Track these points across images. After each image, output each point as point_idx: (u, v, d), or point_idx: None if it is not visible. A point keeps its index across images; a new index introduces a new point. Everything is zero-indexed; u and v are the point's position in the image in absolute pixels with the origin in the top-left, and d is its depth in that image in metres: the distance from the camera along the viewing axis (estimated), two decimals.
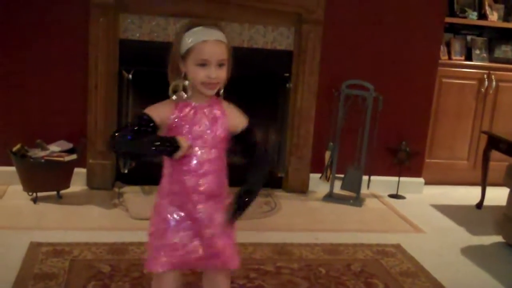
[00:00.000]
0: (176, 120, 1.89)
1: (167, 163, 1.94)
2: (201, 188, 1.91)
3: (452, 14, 4.93)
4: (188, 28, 1.87)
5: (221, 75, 1.87)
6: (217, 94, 1.94)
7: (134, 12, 4.03)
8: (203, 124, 1.90)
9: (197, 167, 1.90)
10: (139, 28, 4.05)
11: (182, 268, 2.00)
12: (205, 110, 1.91)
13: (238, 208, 1.89)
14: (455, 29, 5.06)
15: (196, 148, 1.89)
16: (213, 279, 2.06)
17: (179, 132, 1.88)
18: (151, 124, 1.85)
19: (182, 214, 1.92)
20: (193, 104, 1.91)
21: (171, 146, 1.80)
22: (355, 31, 4.38)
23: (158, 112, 1.89)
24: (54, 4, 3.93)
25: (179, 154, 1.82)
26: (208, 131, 1.91)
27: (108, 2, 3.92)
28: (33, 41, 3.96)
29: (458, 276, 3.22)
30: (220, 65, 1.86)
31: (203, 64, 1.84)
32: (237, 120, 1.96)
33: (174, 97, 1.89)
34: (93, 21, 3.95)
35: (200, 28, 1.86)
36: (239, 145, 1.99)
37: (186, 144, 1.83)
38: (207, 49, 1.83)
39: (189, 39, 1.85)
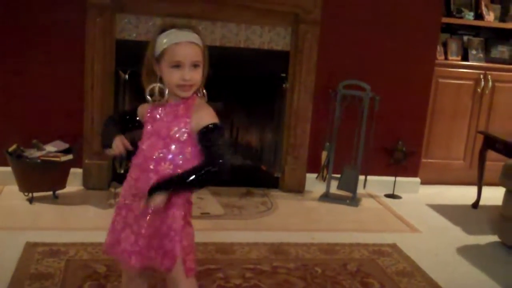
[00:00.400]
0: (145, 120, 1.99)
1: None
2: (140, 184, 1.93)
3: (449, 14, 4.94)
4: (162, 30, 1.90)
5: (195, 76, 1.88)
6: (196, 93, 1.95)
7: (131, 12, 4.03)
8: (163, 121, 1.94)
9: (142, 162, 1.94)
10: (136, 28, 4.04)
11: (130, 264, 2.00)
12: (175, 108, 1.93)
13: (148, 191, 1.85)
14: (451, 29, 5.07)
15: (146, 145, 1.95)
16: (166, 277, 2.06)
17: (144, 130, 1.99)
18: (131, 116, 2.08)
19: (126, 205, 2.00)
20: (166, 104, 1.95)
21: (107, 140, 2.03)
22: (352, 31, 4.38)
23: (141, 109, 2.05)
24: (51, 4, 3.92)
25: (106, 151, 2.05)
26: (164, 129, 1.93)
27: (104, 2, 3.92)
28: (30, 41, 3.95)
29: (454, 275, 3.22)
30: (195, 66, 1.87)
31: (177, 65, 1.86)
32: (199, 119, 1.89)
33: (150, 100, 1.94)
34: (90, 21, 3.95)
35: (173, 30, 1.88)
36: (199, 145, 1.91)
37: (118, 141, 2.00)
38: (180, 51, 1.85)
39: (163, 41, 1.87)
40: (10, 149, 3.76)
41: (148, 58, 1.94)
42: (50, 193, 3.86)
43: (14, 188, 3.84)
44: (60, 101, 4.07)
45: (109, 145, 2.01)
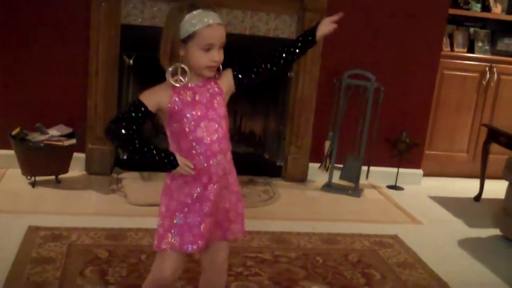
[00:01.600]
0: (176, 106, 1.89)
1: (173, 147, 1.95)
2: (212, 169, 1.93)
3: (456, 5, 4.91)
4: (188, 10, 1.85)
5: (221, 57, 1.91)
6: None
7: None
8: (203, 105, 1.91)
9: (206, 149, 1.91)
10: (141, 13, 4.02)
11: (195, 247, 1.96)
12: (203, 89, 1.93)
13: None
14: (458, 21, 5.04)
15: (201, 131, 1.90)
16: (215, 251, 2.09)
17: (181, 117, 1.89)
18: (143, 110, 1.86)
19: (194, 195, 1.93)
20: (189, 85, 1.91)
21: (169, 164, 1.88)
22: (357, 21, 4.36)
23: (155, 97, 1.89)
24: None
25: (178, 171, 1.90)
26: (210, 110, 1.92)
27: None
28: (35, 26, 3.94)
29: (455, 268, 3.22)
30: (221, 47, 1.90)
31: (209, 48, 1.86)
32: (226, 80, 1.99)
33: (173, 82, 1.88)
34: (95, 6, 3.93)
35: (199, 11, 1.85)
36: (245, 77, 2.02)
37: (184, 162, 1.89)
38: (213, 33, 1.85)
39: (191, 22, 1.83)
40: (14, 133, 3.76)
41: (169, 39, 1.87)
42: (53, 177, 3.86)
43: (17, 171, 3.84)
44: (64, 86, 4.07)
45: (174, 167, 1.89)
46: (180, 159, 1.89)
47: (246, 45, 4.20)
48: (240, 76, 2.01)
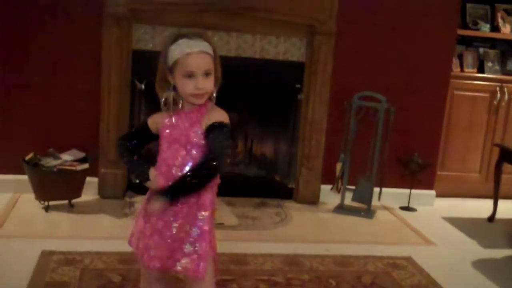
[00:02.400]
0: (163, 126, 2.01)
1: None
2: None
3: (465, 26, 4.92)
4: (174, 40, 1.92)
5: (208, 85, 1.93)
6: (209, 99, 1.99)
7: (147, 22, 4.06)
8: (180, 129, 1.98)
9: (167, 170, 1.97)
10: (152, 38, 4.07)
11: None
12: (191, 115, 1.97)
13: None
14: (467, 41, 5.05)
15: (168, 153, 1.98)
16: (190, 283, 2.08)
17: (161, 136, 2.01)
18: (146, 129, 2.09)
19: (149, 208, 1.99)
20: (182, 111, 1.99)
21: (142, 176, 2.00)
22: (367, 42, 4.38)
23: (154, 119, 2.07)
24: (67, 14, 3.96)
25: (148, 184, 2.01)
26: (183, 136, 1.96)
27: (121, 13, 3.95)
28: (47, 51, 3.99)
29: None
30: (207, 74, 1.92)
31: (190, 75, 1.90)
32: (210, 119, 1.95)
33: (165, 109, 2.00)
34: (107, 32, 3.98)
35: (184, 40, 1.91)
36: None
37: (153, 174, 1.98)
38: (192, 61, 1.89)
39: (175, 52, 1.91)
40: (27, 158, 3.79)
41: (161, 67, 1.97)
42: (66, 201, 3.88)
43: (31, 196, 3.86)
44: (76, 110, 4.10)
45: (145, 179, 2.01)
46: (152, 173, 1.99)
47: (256, 68, 4.24)
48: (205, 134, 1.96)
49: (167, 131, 1.99)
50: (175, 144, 1.97)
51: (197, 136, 1.94)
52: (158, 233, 1.98)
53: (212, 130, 1.92)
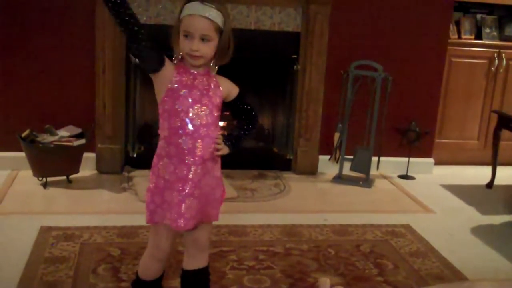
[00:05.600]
0: (176, 85, 2.00)
1: (163, 125, 2.05)
2: (197, 151, 2.02)
3: None
4: (188, 1, 1.99)
5: (203, 49, 1.97)
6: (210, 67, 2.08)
7: None
8: (199, 90, 2.02)
9: (193, 131, 2.01)
10: (146, 11, 4.02)
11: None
12: (203, 78, 2.04)
13: (228, 140, 2.12)
14: (464, 8, 5.00)
15: (192, 113, 2.01)
16: (195, 233, 2.17)
17: (177, 95, 2.00)
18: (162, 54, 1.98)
19: (177, 174, 2.03)
20: (191, 71, 2.03)
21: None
22: (363, 11, 4.34)
23: (168, 64, 2.01)
24: None
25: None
26: (205, 97, 2.03)
27: None
28: (41, 27, 3.96)
29: (468, 256, 3.21)
30: (203, 39, 1.95)
31: (187, 35, 1.96)
32: (230, 88, 2.14)
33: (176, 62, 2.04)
34: (100, 5, 3.93)
35: (196, 2, 1.97)
36: (232, 110, 2.21)
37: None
38: (191, 22, 1.95)
39: (184, 11, 1.98)
40: (23, 134, 3.77)
41: (176, 23, 2.02)
42: (64, 177, 3.88)
43: (28, 173, 3.86)
44: (72, 86, 4.08)
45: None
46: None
47: (251, 40, 4.20)
48: (232, 103, 2.18)
49: (184, 90, 2.00)
50: (196, 104, 2.01)
51: (219, 99, 2.07)
52: (192, 195, 2.04)
53: (239, 96, 2.17)
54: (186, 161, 2.02)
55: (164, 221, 2.07)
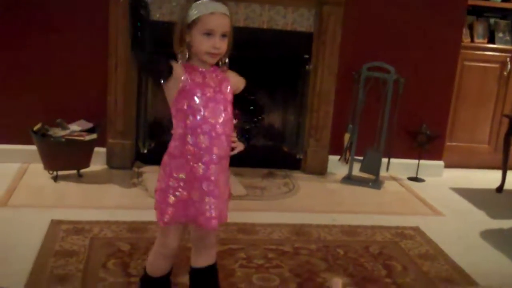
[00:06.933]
0: (187, 84, 1.98)
1: (178, 124, 2.03)
2: (214, 149, 2.01)
3: None
4: (194, 0, 1.97)
5: (223, 46, 1.98)
6: (217, 64, 2.06)
7: None
8: (211, 87, 2.02)
9: (211, 129, 2.00)
10: (159, 8, 4.03)
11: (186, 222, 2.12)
12: (213, 75, 2.04)
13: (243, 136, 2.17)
14: (478, 12, 4.98)
15: (208, 111, 1.99)
16: (204, 230, 2.13)
17: (191, 95, 1.98)
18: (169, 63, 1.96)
19: (195, 174, 2.01)
20: (200, 69, 2.02)
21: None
22: (376, 12, 4.33)
23: (177, 67, 1.98)
24: None
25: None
26: (218, 94, 2.03)
27: None
28: (54, 22, 3.98)
29: (477, 259, 3.20)
30: (223, 36, 1.97)
31: (209, 34, 1.94)
32: (238, 81, 2.15)
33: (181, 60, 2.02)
34: (113, 2, 3.95)
35: (206, 1, 1.96)
36: (240, 102, 2.16)
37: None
38: (214, 20, 1.95)
39: (196, 10, 1.95)
40: (35, 128, 3.79)
41: (180, 25, 1.99)
42: (75, 171, 3.90)
43: (39, 166, 3.88)
44: (84, 82, 4.10)
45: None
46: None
47: (264, 39, 4.20)
48: (240, 95, 2.17)
49: (197, 89, 1.99)
50: (211, 102, 2.00)
51: (231, 94, 2.07)
52: (213, 193, 2.03)
53: (246, 88, 2.18)
54: (204, 159, 2.00)
55: (179, 221, 2.06)
